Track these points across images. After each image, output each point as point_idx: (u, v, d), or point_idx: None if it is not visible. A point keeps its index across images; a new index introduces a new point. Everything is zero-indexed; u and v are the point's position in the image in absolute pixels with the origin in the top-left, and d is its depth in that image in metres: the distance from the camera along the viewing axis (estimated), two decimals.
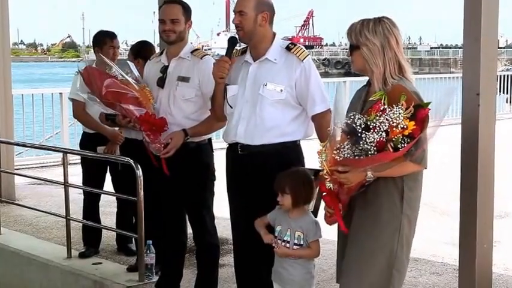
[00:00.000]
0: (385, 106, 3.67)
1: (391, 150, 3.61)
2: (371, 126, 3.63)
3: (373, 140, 3.60)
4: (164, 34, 5.36)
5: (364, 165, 3.72)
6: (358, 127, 3.65)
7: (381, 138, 3.60)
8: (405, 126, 3.59)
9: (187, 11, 5.40)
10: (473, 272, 4.77)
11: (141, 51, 6.41)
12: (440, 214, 8.12)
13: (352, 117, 3.70)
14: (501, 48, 78.75)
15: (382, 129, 3.60)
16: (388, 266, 3.92)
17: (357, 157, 3.68)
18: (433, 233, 7.19)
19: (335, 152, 3.74)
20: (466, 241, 4.82)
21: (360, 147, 3.65)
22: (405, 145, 3.60)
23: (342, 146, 3.72)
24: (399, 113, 3.61)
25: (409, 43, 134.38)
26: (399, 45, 3.93)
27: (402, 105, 3.65)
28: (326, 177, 3.87)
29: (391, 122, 3.59)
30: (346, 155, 3.70)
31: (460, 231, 4.88)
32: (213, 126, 5.33)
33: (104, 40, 6.72)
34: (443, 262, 6.49)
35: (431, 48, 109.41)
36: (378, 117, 3.63)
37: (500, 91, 18.97)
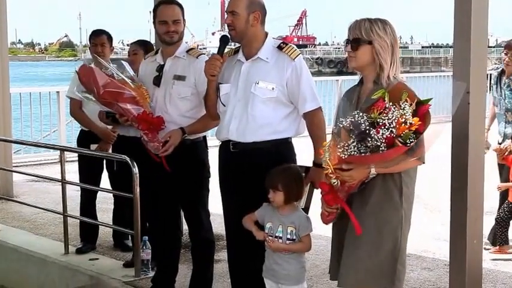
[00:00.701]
0: (390, 103, 3.75)
1: (401, 145, 3.69)
2: (380, 123, 3.70)
3: (382, 136, 3.69)
4: (168, 36, 5.36)
5: (370, 162, 3.81)
6: (363, 125, 3.72)
7: (391, 135, 3.67)
8: (412, 122, 3.68)
9: (183, 10, 5.44)
10: (464, 267, 4.78)
11: (147, 44, 6.53)
12: (431, 211, 8.19)
13: (356, 115, 3.77)
14: (491, 47, 78.67)
15: (391, 125, 3.68)
16: (393, 259, 4.00)
17: (363, 154, 3.76)
18: (425, 229, 7.25)
19: (340, 150, 3.80)
20: (457, 237, 4.83)
21: (368, 144, 3.71)
22: (414, 140, 3.69)
23: (347, 144, 3.78)
24: (407, 110, 3.69)
25: (400, 42, 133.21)
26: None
27: (406, 101, 3.74)
28: (331, 175, 3.91)
29: (399, 118, 3.68)
30: (352, 152, 3.77)
31: (450, 227, 4.91)
32: (209, 123, 5.34)
33: (89, 38, 6.81)
34: (434, 258, 6.57)
35: (422, 47, 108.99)
36: (384, 114, 3.71)
37: (490, 89, 19.05)
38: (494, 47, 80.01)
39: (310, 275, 5.87)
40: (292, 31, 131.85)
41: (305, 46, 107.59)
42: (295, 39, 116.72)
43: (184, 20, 5.46)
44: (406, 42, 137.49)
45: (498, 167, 6.94)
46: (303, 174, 4.52)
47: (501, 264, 6.37)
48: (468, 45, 4.68)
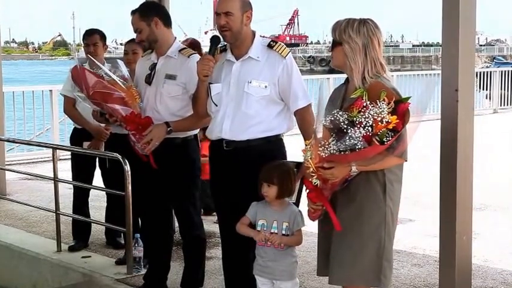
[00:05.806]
0: (367, 102, 3.80)
1: (377, 144, 3.74)
2: (356, 122, 3.76)
3: (359, 134, 3.72)
4: None
5: (351, 160, 3.84)
6: (342, 123, 3.77)
7: (367, 133, 3.72)
8: (389, 121, 3.72)
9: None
10: (454, 263, 4.82)
11: None
12: (421, 207, 8.17)
13: (335, 114, 3.82)
14: (481, 45, 78.99)
15: (368, 124, 3.73)
16: (377, 255, 4.04)
17: (342, 153, 3.80)
18: (415, 225, 7.30)
19: (320, 149, 3.85)
20: (446, 233, 4.87)
21: (346, 143, 3.75)
22: (390, 138, 3.73)
23: (327, 143, 3.83)
24: (383, 108, 3.74)
25: (391, 41, 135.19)
26: (380, 47, 4.09)
27: (384, 100, 3.79)
28: (313, 174, 3.96)
29: (376, 117, 3.72)
30: (331, 151, 3.81)
31: (440, 224, 4.94)
32: (197, 123, 5.34)
33: (83, 37, 6.85)
34: (425, 254, 6.59)
35: (413, 46, 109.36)
36: (362, 113, 3.76)
37: (480, 87, 19.15)
38: (484, 45, 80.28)
39: (301, 272, 5.89)
40: (285, 30, 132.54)
41: (297, 45, 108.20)
42: (287, 38, 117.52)
43: (152, 20, 5.37)
44: (397, 41, 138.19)
45: None
46: (295, 169, 4.56)
47: (491, 260, 6.40)
48: (456, 44, 4.71)
